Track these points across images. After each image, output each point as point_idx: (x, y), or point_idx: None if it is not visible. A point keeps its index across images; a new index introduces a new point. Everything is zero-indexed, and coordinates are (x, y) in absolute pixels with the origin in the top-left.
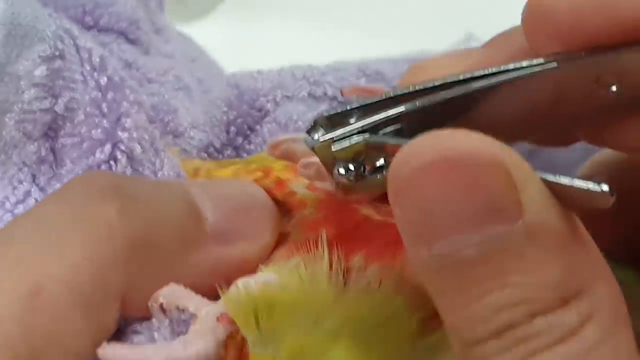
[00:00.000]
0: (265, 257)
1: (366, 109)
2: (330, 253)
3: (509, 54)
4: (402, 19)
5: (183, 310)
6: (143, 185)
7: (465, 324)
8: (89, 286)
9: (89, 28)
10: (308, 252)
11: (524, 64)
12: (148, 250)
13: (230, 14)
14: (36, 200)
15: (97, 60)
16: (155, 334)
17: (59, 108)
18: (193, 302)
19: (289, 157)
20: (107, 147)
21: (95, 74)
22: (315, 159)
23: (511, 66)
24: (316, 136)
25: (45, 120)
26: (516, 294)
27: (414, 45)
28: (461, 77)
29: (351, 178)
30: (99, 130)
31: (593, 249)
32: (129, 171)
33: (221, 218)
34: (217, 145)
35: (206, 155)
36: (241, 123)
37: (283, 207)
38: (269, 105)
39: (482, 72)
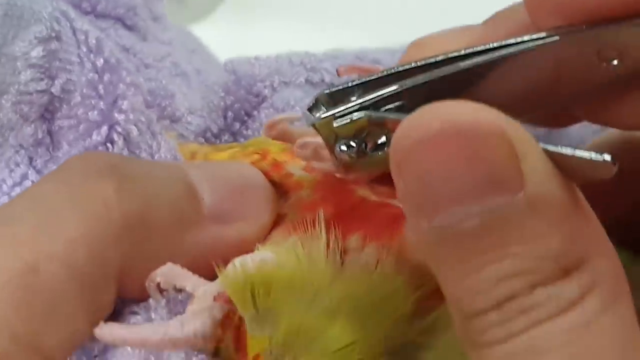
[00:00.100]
0: (263, 238)
1: (367, 86)
2: (327, 233)
3: (509, 30)
4: (402, 20)
5: (180, 290)
6: (140, 165)
7: (466, 295)
8: (86, 264)
9: (86, 13)
10: (305, 231)
11: (526, 38)
12: (145, 230)
13: (230, 14)
14: (33, 182)
15: (94, 42)
16: (153, 314)
17: (56, 89)
18: (190, 281)
19: (285, 137)
20: (104, 129)
21: (92, 55)
22: (311, 139)
23: (512, 40)
24: (317, 113)
25: (41, 101)
26: (516, 265)
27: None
28: (462, 52)
29: (353, 155)
30: (96, 112)
31: (594, 221)
32: (125, 153)
33: (218, 199)
34: (215, 130)
35: (203, 140)
36: (238, 108)
37: (280, 188)
38: (266, 91)
39: (483, 47)
